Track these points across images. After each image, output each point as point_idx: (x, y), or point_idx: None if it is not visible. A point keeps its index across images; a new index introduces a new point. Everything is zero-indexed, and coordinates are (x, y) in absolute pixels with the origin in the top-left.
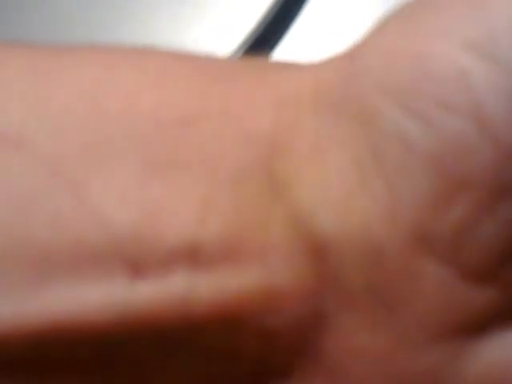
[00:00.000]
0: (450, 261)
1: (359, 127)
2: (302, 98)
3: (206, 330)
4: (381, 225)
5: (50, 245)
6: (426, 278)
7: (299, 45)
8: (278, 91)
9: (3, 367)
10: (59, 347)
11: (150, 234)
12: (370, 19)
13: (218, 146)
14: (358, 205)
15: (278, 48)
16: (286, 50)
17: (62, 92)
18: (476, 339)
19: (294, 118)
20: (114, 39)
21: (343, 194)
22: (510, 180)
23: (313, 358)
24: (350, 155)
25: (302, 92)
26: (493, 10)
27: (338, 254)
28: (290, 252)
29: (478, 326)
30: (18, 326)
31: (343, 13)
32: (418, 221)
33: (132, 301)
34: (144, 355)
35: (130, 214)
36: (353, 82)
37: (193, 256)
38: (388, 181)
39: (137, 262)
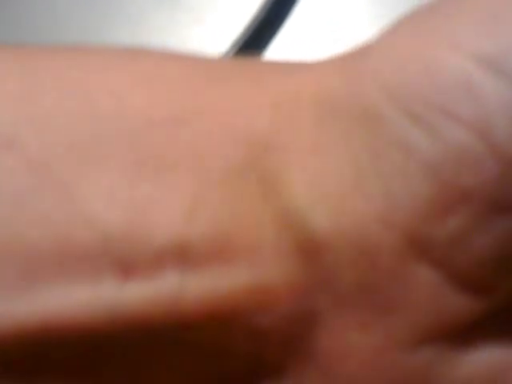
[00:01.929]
0: (443, 266)
1: (360, 128)
2: (302, 97)
3: (197, 329)
4: (375, 227)
5: (38, 244)
6: (417, 281)
7: (291, 44)
8: (275, 91)
9: None
10: (49, 347)
11: (139, 234)
12: (361, 19)
13: (209, 145)
14: (353, 206)
15: (269, 47)
16: (278, 50)
17: (52, 92)
18: (463, 345)
19: (290, 118)
20: (106, 41)
21: (338, 194)
22: (510, 195)
23: (304, 357)
24: (347, 155)
25: (301, 92)
26: (507, 24)
27: (330, 253)
28: (281, 250)
29: (465, 331)
30: (6, 326)
31: (334, 12)
32: (413, 225)
33: (121, 300)
34: (135, 355)
35: (118, 214)
36: (358, 83)
37: (182, 255)
38: (385, 183)
39: (126, 261)
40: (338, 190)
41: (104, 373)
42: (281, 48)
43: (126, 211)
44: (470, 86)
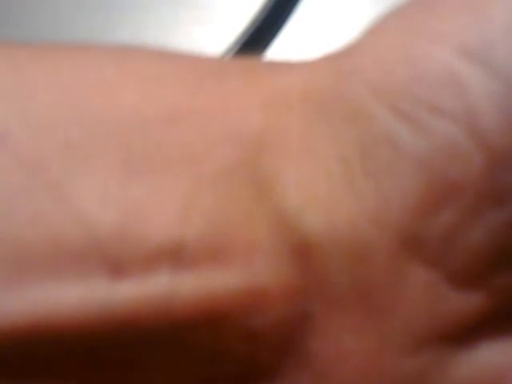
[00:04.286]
0: (437, 265)
1: (348, 127)
2: (291, 97)
3: (190, 330)
4: (367, 226)
5: (30, 244)
6: (412, 281)
7: (292, 44)
8: (267, 90)
9: None
10: (40, 347)
11: (132, 233)
12: (364, 19)
13: (202, 145)
14: (345, 205)
15: (271, 47)
16: (280, 50)
17: (45, 90)
18: (462, 346)
19: (281, 117)
20: (106, 39)
21: (330, 194)
22: (499, 187)
23: (298, 359)
24: (337, 155)
25: (291, 91)
26: (490, 17)
27: (323, 254)
28: (274, 251)
29: (464, 332)
30: None
31: (337, 12)
32: (405, 223)
33: (113, 300)
34: (126, 355)
35: (111, 213)
36: (344, 82)
37: (176, 255)
38: (376, 182)
39: (119, 261)
40: (329, 191)
41: (95, 372)
42: (282, 48)
43: (118, 211)
44: (455, 80)
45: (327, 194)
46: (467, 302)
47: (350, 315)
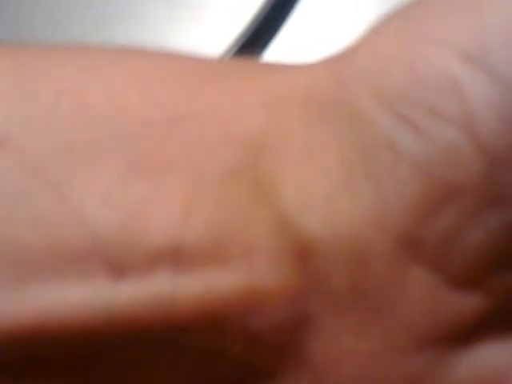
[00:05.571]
0: (436, 267)
1: (349, 130)
2: (292, 99)
3: (190, 331)
4: (367, 228)
5: (31, 245)
6: (411, 283)
7: (290, 46)
8: (268, 92)
9: None
10: (42, 347)
11: (133, 235)
12: (361, 20)
13: (204, 146)
14: (345, 207)
15: (269, 49)
16: (277, 51)
17: (47, 91)
18: (461, 347)
19: (282, 119)
20: (105, 40)
21: (330, 196)
22: (498, 190)
23: (298, 360)
24: (338, 157)
25: (292, 93)
26: (490, 21)
27: (323, 256)
28: (275, 253)
29: (463, 334)
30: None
31: (334, 14)
32: (405, 226)
33: (114, 301)
34: (128, 355)
35: (113, 215)
36: (344, 85)
37: (177, 256)
38: (376, 185)
39: (120, 262)
40: (329, 192)
41: (96, 373)
42: (280, 49)
43: (119, 212)
44: (454, 84)
45: (327, 195)
46: (466, 304)
47: (349, 316)
